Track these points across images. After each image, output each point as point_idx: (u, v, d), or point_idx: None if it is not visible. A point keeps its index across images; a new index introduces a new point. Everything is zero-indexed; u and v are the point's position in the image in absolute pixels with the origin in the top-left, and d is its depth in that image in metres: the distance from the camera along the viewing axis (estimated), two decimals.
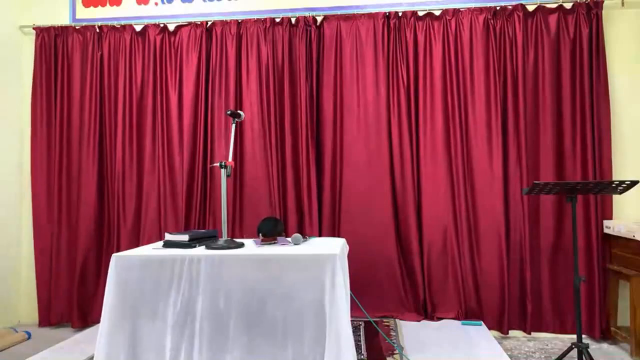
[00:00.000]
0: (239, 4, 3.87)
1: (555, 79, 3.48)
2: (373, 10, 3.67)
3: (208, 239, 2.63)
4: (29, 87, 3.91)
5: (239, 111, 2.78)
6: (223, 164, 2.48)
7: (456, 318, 3.49)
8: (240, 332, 2.23)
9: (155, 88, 3.80)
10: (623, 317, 3.29)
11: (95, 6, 3.98)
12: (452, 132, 3.56)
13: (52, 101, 3.85)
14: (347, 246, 2.86)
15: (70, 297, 3.71)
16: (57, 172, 3.78)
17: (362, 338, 3.16)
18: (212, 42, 3.77)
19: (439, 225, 3.55)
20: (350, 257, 2.76)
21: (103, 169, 3.83)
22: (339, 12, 3.70)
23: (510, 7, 3.52)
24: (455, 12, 3.58)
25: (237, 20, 3.76)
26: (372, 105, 3.63)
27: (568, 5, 3.48)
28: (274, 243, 2.62)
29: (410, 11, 3.63)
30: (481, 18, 3.54)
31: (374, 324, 3.09)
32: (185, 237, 2.50)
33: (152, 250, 2.47)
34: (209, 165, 3.72)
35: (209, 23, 3.79)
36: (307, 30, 3.70)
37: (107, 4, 3.97)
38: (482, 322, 3.42)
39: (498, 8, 3.54)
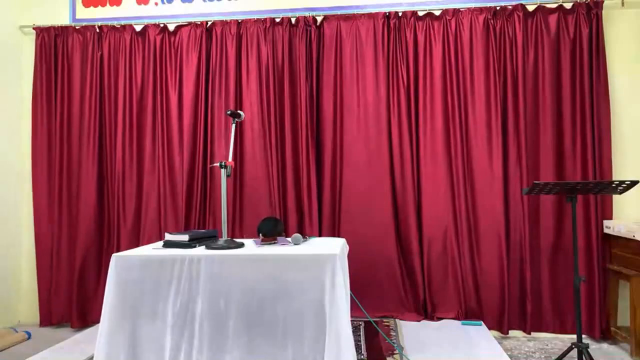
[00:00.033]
0: (239, 4, 3.87)
1: (555, 79, 3.48)
2: (373, 10, 3.67)
3: (208, 239, 2.63)
4: (29, 87, 3.92)
5: (239, 111, 2.78)
6: (223, 164, 2.48)
7: (456, 318, 3.49)
8: (240, 332, 2.23)
9: (155, 88, 3.80)
10: (623, 317, 3.29)
11: (95, 6, 3.98)
12: (452, 132, 3.56)
13: (53, 101, 3.86)
14: (347, 246, 2.86)
15: (70, 297, 3.71)
16: (57, 172, 3.79)
17: (362, 338, 3.16)
18: (212, 42, 3.77)
19: (439, 225, 3.55)
20: (350, 257, 2.76)
21: (103, 169, 3.83)
22: (339, 12, 3.70)
23: (510, 7, 3.52)
24: (455, 12, 3.58)
25: (237, 20, 3.76)
26: (372, 105, 3.63)
27: (568, 5, 3.48)
28: (274, 243, 2.62)
29: (410, 11, 3.63)
30: (481, 18, 3.54)
31: (374, 324, 3.09)
32: (185, 237, 2.50)
33: (152, 250, 2.47)
34: (209, 165, 3.72)
35: (209, 23, 3.79)
36: (307, 30, 3.70)
37: (107, 4, 3.97)
38: (482, 322, 3.42)
39: (498, 8, 3.54)
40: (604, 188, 2.46)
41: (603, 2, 3.42)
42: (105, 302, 2.28)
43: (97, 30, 3.86)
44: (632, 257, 3.06)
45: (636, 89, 3.50)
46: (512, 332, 3.45)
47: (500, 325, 3.44)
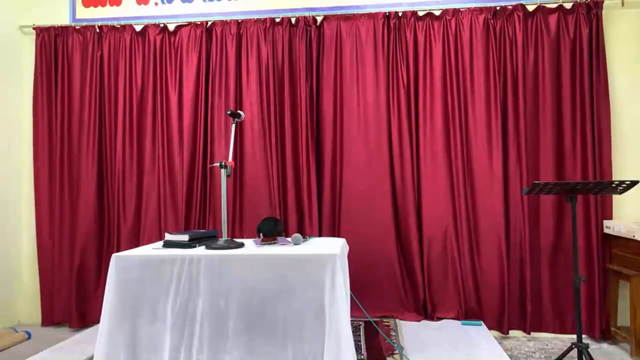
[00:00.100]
0: (239, 4, 3.87)
1: (555, 79, 3.48)
2: (373, 10, 3.67)
3: (208, 239, 2.63)
4: (29, 87, 3.92)
5: (239, 111, 2.77)
6: (223, 164, 2.48)
7: (456, 318, 3.49)
8: (240, 332, 2.23)
9: (155, 88, 3.80)
10: (623, 317, 3.29)
11: (95, 6, 3.98)
12: (452, 132, 3.56)
13: (53, 101, 3.86)
14: (347, 246, 2.86)
15: (71, 296, 3.70)
16: (58, 172, 3.79)
17: (362, 338, 3.16)
18: (212, 42, 3.77)
19: (439, 225, 3.55)
20: (350, 257, 2.76)
21: (103, 169, 3.84)
22: (339, 12, 3.70)
23: (510, 7, 3.52)
24: (455, 12, 3.58)
25: (237, 20, 3.76)
26: (372, 105, 3.63)
27: (568, 5, 3.48)
28: (274, 243, 2.62)
29: (410, 11, 3.63)
30: (481, 18, 3.54)
31: (374, 324, 3.09)
32: (185, 237, 2.49)
33: (152, 250, 2.47)
34: (209, 165, 3.72)
35: (209, 23, 3.79)
36: (307, 30, 3.70)
37: (107, 4, 3.97)
38: (482, 322, 3.42)
39: (498, 8, 3.54)
40: (604, 188, 2.46)
41: (603, 2, 3.42)
42: (105, 302, 2.28)
43: (97, 30, 3.86)
44: (632, 257, 3.05)
45: (636, 89, 3.50)
46: (512, 332, 3.45)
47: (500, 325, 3.44)
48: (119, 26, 3.87)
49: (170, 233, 2.64)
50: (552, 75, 3.48)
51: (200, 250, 2.38)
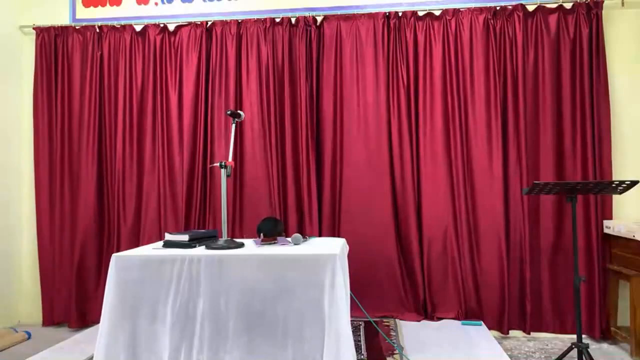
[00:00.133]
0: (239, 4, 3.87)
1: (555, 79, 3.48)
2: (373, 10, 3.67)
3: (208, 239, 2.63)
4: (29, 86, 3.92)
5: (239, 111, 2.78)
6: (223, 164, 2.48)
7: (456, 318, 3.49)
8: (240, 332, 2.23)
9: (155, 88, 3.80)
10: (623, 317, 3.29)
11: (95, 6, 3.98)
12: (452, 132, 3.56)
13: (53, 101, 3.86)
14: (347, 246, 2.86)
15: (71, 297, 3.71)
16: (59, 172, 3.79)
17: (362, 338, 3.16)
18: (212, 42, 3.77)
19: (439, 225, 3.55)
20: (350, 257, 2.76)
21: (103, 169, 3.84)
22: (339, 12, 3.70)
23: (510, 7, 3.52)
24: (455, 12, 3.58)
25: (237, 20, 3.76)
26: (372, 105, 3.63)
27: (568, 5, 3.48)
28: (274, 243, 2.62)
29: (410, 11, 3.63)
30: (481, 18, 3.54)
31: (374, 324, 3.09)
32: (185, 237, 2.50)
33: (152, 250, 2.47)
34: (209, 165, 3.72)
35: (209, 23, 3.79)
36: (307, 30, 3.70)
37: (107, 4, 3.97)
38: (482, 322, 3.42)
39: (498, 8, 3.54)
40: (604, 188, 2.46)
41: (603, 2, 3.42)
42: (105, 302, 2.28)
43: (97, 30, 3.86)
44: (632, 257, 3.05)
45: (636, 89, 3.50)
46: (512, 332, 3.45)
47: (500, 325, 3.44)
48: (119, 26, 3.87)
49: (170, 233, 2.64)
50: (552, 75, 3.48)
51: (200, 250, 2.38)
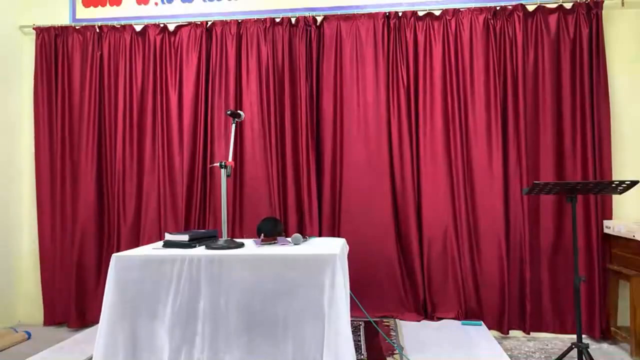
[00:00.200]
0: (239, 4, 3.87)
1: (555, 79, 3.48)
2: (373, 10, 3.67)
3: (208, 239, 2.63)
4: (29, 86, 3.92)
5: (239, 111, 2.78)
6: (223, 164, 2.48)
7: (456, 318, 3.49)
8: (240, 332, 2.23)
9: (155, 88, 3.80)
10: (623, 317, 3.29)
11: (95, 6, 3.98)
12: (452, 132, 3.56)
13: (53, 101, 3.86)
14: (347, 246, 2.86)
15: (71, 296, 3.71)
16: (59, 172, 3.79)
17: (362, 338, 3.16)
18: (212, 42, 3.77)
19: (439, 225, 3.55)
20: (350, 257, 2.76)
21: (103, 169, 3.84)
22: (339, 12, 3.70)
23: (510, 7, 3.52)
24: (455, 12, 3.58)
25: (237, 20, 3.76)
26: (372, 105, 3.63)
27: (568, 5, 3.48)
28: (274, 243, 2.62)
29: (410, 11, 3.63)
30: (481, 18, 3.54)
31: (374, 324, 3.09)
32: (185, 237, 2.50)
33: (152, 250, 2.47)
34: (209, 165, 3.72)
35: (209, 23, 3.79)
36: (307, 30, 3.70)
37: (107, 4, 3.98)
38: (482, 322, 3.42)
39: (498, 8, 3.54)
40: (604, 188, 2.46)
41: (603, 2, 3.42)
42: (105, 302, 2.28)
43: (97, 30, 3.86)
44: (632, 257, 3.05)
45: (636, 89, 3.50)
46: (512, 332, 3.45)
47: (500, 325, 3.44)
48: (119, 26, 3.87)
49: (170, 233, 2.64)
50: (552, 75, 3.48)
51: (200, 250, 2.38)
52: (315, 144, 3.69)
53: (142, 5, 3.95)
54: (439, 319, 3.51)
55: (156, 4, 3.94)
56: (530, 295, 3.40)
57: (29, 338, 3.47)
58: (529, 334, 3.41)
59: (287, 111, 3.69)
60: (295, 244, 2.58)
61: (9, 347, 3.29)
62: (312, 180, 3.65)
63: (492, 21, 3.53)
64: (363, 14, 3.67)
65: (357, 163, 3.63)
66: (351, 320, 2.31)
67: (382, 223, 3.58)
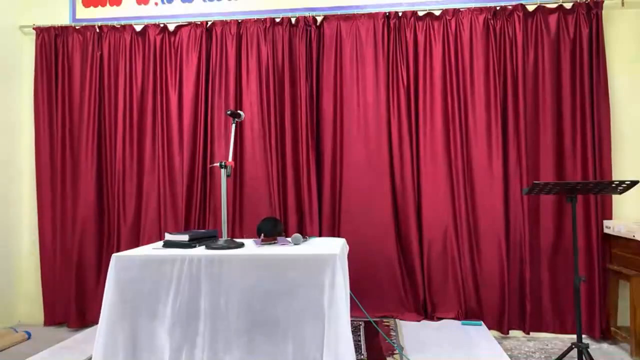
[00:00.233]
0: (239, 4, 3.87)
1: (555, 79, 3.48)
2: (373, 10, 3.67)
3: (208, 239, 2.63)
4: (29, 86, 3.92)
5: (239, 111, 2.78)
6: (223, 164, 2.48)
7: (456, 318, 3.49)
8: (240, 332, 2.23)
9: (155, 88, 3.80)
10: (623, 317, 3.29)
11: (95, 6, 3.98)
12: (452, 132, 3.56)
13: (53, 101, 3.86)
14: (347, 246, 2.86)
15: (71, 296, 3.71)
16: (60, 172, 3.79)
17: (362, 338, 3.16)
18: (212, 42, 3.77)
19: (439, 225, 3.55)
20: (350, 257, 2.76)
21: (103, 169, 3.84)
22: (339, 12, 3.70)
23: (510, 7, 3.52)
24: (455, 12, 3.58)
25: (237, 20, 3.76)
26: (372, 105, 3.63)
27: (568, 5, 3.48)
28: (274, 243, 2.62)
29: (410, 11, 3.63)
30: (481, 18, 3.54)
31: (374, 324, 3.09)
32: (185, 237, 2.50)
33: (152, 250, 2.47)
34: (209, 165, 3.72)
35: (209, 23, 3.79)
36: (307, 30, 3.70)
37: (107, 4, 3.98)
38: (482, 322, 3.42)
39: (498, 8, 3.54)
40: (604, 188, 2.46)
41: (603, 2, 3.42)
42: (105, 302, 2.28)
43: (97, 30, 3.86)
44: (632, 257, 3.05)
45: (636, 89, 3.50)
46: (512, 332, 3.45)
47: (500, 325, 3.44)
48: (119, 26, 3.87)
49: (170, 233, 2.64)
50: (552, 75, 3.48)
51: (200, 250, 2.38)
52: (315, 144, 3.69)
53: (142, 5, 3.95)
54: (439, 319, 3.51)
55: (156, 4, 3.94)
56: (530, 295, 3.40)
57: (29, 338, 3.47)
58: (529, 334, 3.41)
59: (287, 111, 3.69)
60: (295, 244, 2.58)
61: (9, 347, 3.29)
62: (312, 180, 3.65)
63: (492, 21, 3.53)
64: (363, 14, 3.67)
65: (357, 163, 3.63)
66: (351, 320, 2.31)
67: (382, 223, 3.58)
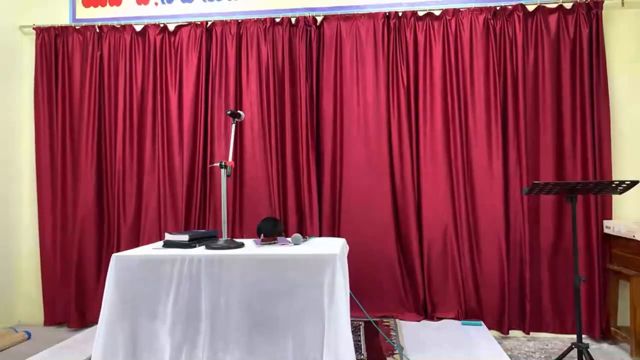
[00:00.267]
0: (239, 4, 3.87)
1: (555, 79, 3.48)
2: (373, 10, 3.67)
3: (208, 239, 2.63)
4: (29, 86, 3.92)
5: (239, 111, 2.78)
6: (223, 164, 2.48)
7: (456, 318, 3.49)
8: (240, 332, 2.23)
9: (155, 88, 3.80)
10: (623, 317, 3.29)
11: (95, 6, 3.98)
12: (452, 132, 3.56)
13: (53, 101, 3.86)
14: (347, 246, 2.86)
15: (71, 296, 3.71)
16: (60, 172, 3.79)
17: (362, 338, 3.16)
18: (212, 42, 3.77)
19: (439, 225, 3.55)
20: (350, 257, 2.76)
21: (103, 169, 3.84)
22: (339, 12, 3.70)
23: (510, 7, 3.52)
24: (455, 12, 3.58)
25: (237, 20, 3.76)
26: (372, 105, 3.63)
27: (568, 5, 3.48)
28: (274, 243, 2.62)
29: (410, 11, 3.63)
30: (481, 18, 3.54)
31: (374, 324, 3.09)
32: (185, 237, 2.50)
33: (152, 250, 2.47)
34: (209, 165, 3.72)
35: (209, 23, 3.79)
36: (307, 30, 3.70)
37: (107, 4, 3.98)
38: (482, 322, 3.42)
39: (498, 8, 3.54)
40: (604, 188, 2.46)
41: (603, 2, 3.42)
42: (104, 302, 2.28)
43: (97, 30, 3.86)
44: (632, 257, 3.05)
45: (636, 89, 3.50)
46: (512, 332, 3.45)
47: (500, 325, 3.44)
48: (119, 26, 3.87)
49: (170, 233, 2.64)
50: (552, 75, 3.48)
51: (200, 250, 2.38)
52: (315, 144, 3.69)
53: (142, 5, 3.95)
54: (439, 319, 3.51)
55: (156, 4, 3.94)
56: (530, 295, 3.40)
57: (29, 338, 3.47)
58: (528, 334, 3.41)
59: (287, 111, 3.69)
60: (295, 244, 2.58)
61: (9, 347, 3.29)
62: (312, 180, 3.65)
63: (492, 21, 3.53)
64: (363, 14, 3.67)
65: (357, 163, 3.63)
66: (351, 320, 2.31)
67: (382, 223, 3.58)
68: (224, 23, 3.76)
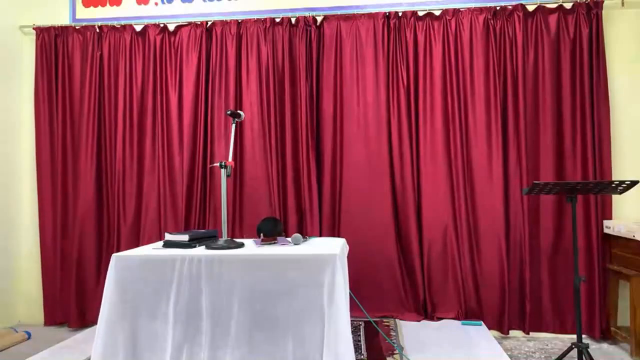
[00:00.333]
0: (239, 4, 3.87)
1: (555, 79, 3.48)
2: (373, 10, 3.68)
3: (208, 239, 2.63)
4: (29, 86, 3.92)
5: (239, 111, 2.78)
6: (223, 164, 2.48)
7: (456, 318, 3.49)
8: (240, 332, 2.23)
9: (155, 88, 3.80)
10: (623, 317, 3.29)
11: (95, 6, 3.98)
12: (452, 132, 3.56)
13: (54, 101, 3.86)
14: (347, 246, 2.86)
15: (71, 296, 3.71)
16: (60, 172, 3.79)
17: (362, 338, 3.16)
18: (212, 42, 3.77)
19: (439, 225, 3.55)
20: (350, 257, 2.76)
21: (103, 169, 3.84)
22: (339, 12, 3.70)
23: (510, 7, 3.52)
24: (455, 12, 3.58)
25: (237, 20, 3.76)
26: (372, 105, 3.63)
27: (568, 5, 3.48)
28: (274, 243, 2.62)
29: (410, 11, 3.63)
30: (481, 18, 3.54)
31: (374, 324, 3.09)
32: (185, 237, 2.50)
33: (152, 250, 2.47)
34: (209, 165, 3.72)
35: (209, 23, 3.79)
36: (307, 30, 3.70)
37: (107, 4, 3.98)
38: (482, 322, 3.42)
39: (498, 8, 3.54)
40: (604, 188, 2.46)
41: (603, 2, 3.42)
42: (104, 302, 2.28)
43: (97, 30, 3.86)
44: (632, 257, 3.06)
45: (636, 89, 3.50)
46: (512, 332, 3.45)
47: (500, 325, 3.44)
48: (119, 26, 3.87)
49: (170, 233, 2.64)
50: (552, 75, 3.48)
51: (200, 250, 2.38)
52: (315, 144, 3.69)
53: (142, 5, 3.95)
54: (439, 319, 3.51)
55: (156, 4, 3.94)
56: (530, 295, 3.40)
57: (29, 338, 3.47)
58: (528, 334, 3.41)
59: (287, 111, 3.69)
60: (295, 244, 2.58)
61: (9, 347, 3.29)
62: (312, 180, 3.65)
63: (492, 21, 3.53)
64: (363, 14, 3.67)
65: (357, 163, 3.63)
66: (351, 320, 2.31)
67: (382, 223, 3.58)
68: (224, 23, 3.76)
